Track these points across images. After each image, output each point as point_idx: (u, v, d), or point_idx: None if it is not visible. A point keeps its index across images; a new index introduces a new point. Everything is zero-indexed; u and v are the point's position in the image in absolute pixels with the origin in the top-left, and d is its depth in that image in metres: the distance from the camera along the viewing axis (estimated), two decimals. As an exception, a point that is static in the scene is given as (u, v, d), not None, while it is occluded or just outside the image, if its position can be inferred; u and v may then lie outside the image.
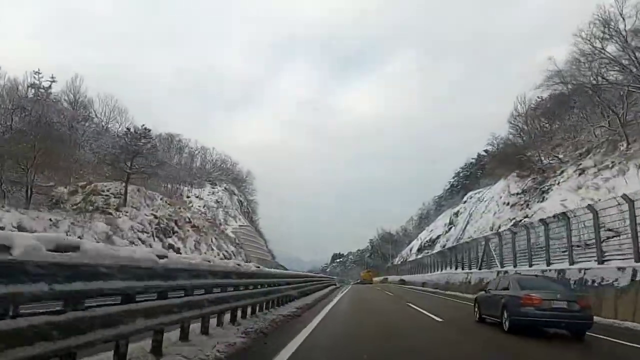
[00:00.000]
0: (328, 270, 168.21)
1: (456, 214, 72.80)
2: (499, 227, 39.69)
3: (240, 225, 74.31)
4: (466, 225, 62.81)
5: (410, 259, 78.17)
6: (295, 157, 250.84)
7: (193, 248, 41.65)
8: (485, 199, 61.43)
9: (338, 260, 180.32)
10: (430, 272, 44.19)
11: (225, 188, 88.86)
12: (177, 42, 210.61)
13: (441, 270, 39.57)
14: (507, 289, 10.95)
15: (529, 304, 9.54)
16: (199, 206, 67.77)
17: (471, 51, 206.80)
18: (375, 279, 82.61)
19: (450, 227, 72.22)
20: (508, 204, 44.54)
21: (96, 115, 62.31)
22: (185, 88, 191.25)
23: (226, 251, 52.42)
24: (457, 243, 55.73)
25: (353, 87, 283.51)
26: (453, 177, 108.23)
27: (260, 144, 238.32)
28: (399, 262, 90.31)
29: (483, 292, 12.73)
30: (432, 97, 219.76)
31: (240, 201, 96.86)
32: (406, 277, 58.84)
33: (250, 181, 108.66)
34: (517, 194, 43.20)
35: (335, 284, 55.35)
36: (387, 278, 76.96)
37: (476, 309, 12.75)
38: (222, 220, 70.74)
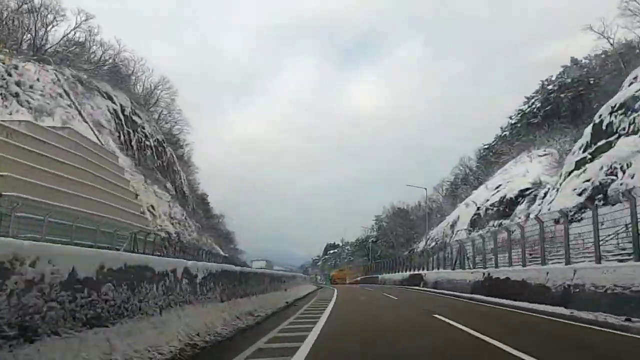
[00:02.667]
0: (319, 264, 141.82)
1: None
2: None
3: (51, 127, 28.04)
4: None
5: (454, 239, 35.29)
6: (294, 157, 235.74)
7: None
8: None
9: (332, 251, 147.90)
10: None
11: (73, 75, 42.98)
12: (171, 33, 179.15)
13: None
14: None
15: None
16: None
17: (471, 49, 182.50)
18: (386, 276, 51.08)
19: (603, 147, 25.15)
20: None
21: None
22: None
23: None
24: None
25: (351, 86, 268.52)
26: (525, 105, 62.68)
27: (258, 144, 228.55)
28: (430, 247, 44.99)
29: None
30: (433, 95, 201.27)
31: (133, 120, 50.50)
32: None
33: (165, 100, 62.10)
34: None
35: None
36: (421, 274, 32.08)
37: None
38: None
